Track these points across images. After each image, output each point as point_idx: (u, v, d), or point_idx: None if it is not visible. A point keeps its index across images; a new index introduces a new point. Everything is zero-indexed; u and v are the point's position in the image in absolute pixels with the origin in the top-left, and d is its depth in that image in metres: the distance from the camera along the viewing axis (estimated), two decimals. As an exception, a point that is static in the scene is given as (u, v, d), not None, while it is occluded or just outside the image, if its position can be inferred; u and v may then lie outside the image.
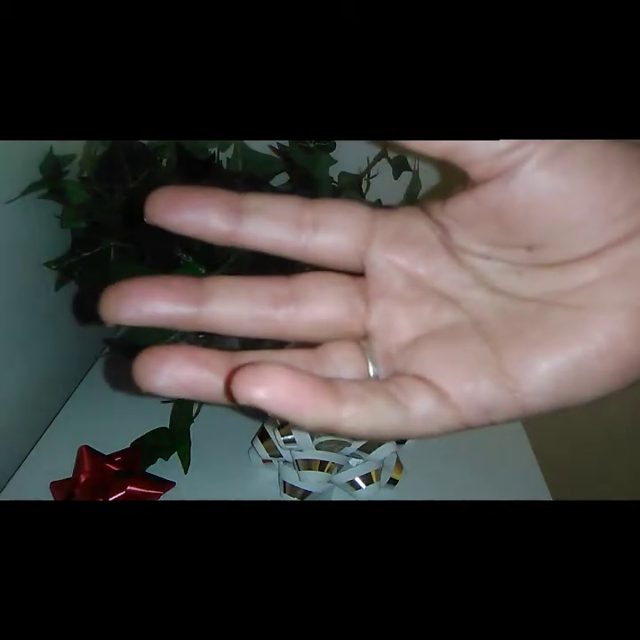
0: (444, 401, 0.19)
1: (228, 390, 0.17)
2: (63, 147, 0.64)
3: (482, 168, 0.18)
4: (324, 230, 0.20)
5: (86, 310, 0.69)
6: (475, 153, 0.17)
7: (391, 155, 0.70)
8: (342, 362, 0.20)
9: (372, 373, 0.20)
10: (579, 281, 0.18)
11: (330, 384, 0.18)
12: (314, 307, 0.20)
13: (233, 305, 0.19)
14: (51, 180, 0.61)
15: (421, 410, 0.18)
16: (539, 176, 0.17)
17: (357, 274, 0.21)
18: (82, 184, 0.62)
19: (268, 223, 0.20)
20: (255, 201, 0.20)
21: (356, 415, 0.18)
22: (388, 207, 0.21)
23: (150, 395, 0.18)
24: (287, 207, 0.20)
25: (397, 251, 0.20)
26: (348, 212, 0.21)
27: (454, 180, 0.19)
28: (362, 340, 0.21)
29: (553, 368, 0.18)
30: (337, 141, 0.69)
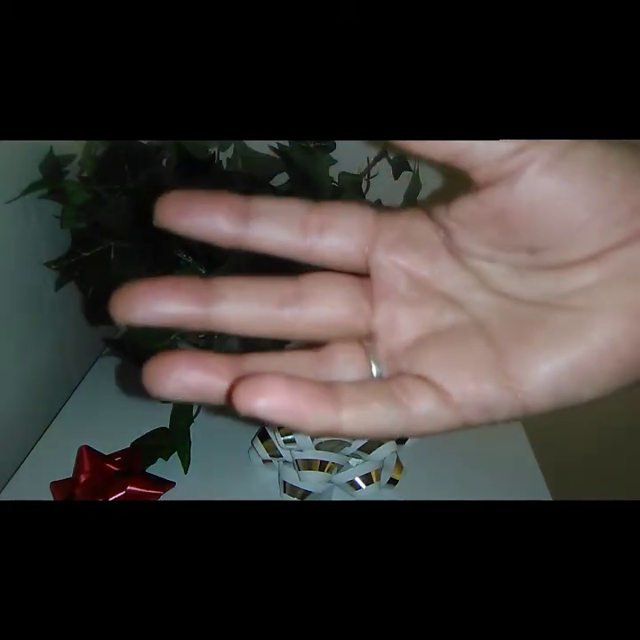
0: (446, 400, 0.19)
1: (231, 400, 0.18)
2: (63, 147, 0.64)
3: (485, 172, 0.18)
4: (330, 233, 0.20)
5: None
6: (478, 157, 0.18)
7: (391, 155, 0.70)
8: (346, 362, 0.20)
9: (374, 373, 0.20)
10: (579, 283, 0.19)
11: (328, 389, 0.18)
12: (319, 307, 0.20)
13: (241, 305, 0.20)
14: (51, 179, 0.61)
15: (422, 409, 0.19)
16: (541, 180, 0.17)
17: (362, 275, 0.21)
18: (82, 184, 0.62)
19: (274, 226, 0.20)
20: (262, 205, 0.20)
21: (355, 418, 0.18)
22: (392, 209, 0.21)
23: (157, 399, 0.19)
24: (293, 210, 0.20)
25: (401, 253, 0.21)
26: (353, 214, 0.21)
27: (457, 182, 0.20)
28: (365, 340, 0.21)
29: (553, 369, 0.19)
30: (337, 141, 0.69)
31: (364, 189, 0.70)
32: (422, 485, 0.57)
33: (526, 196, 0.18)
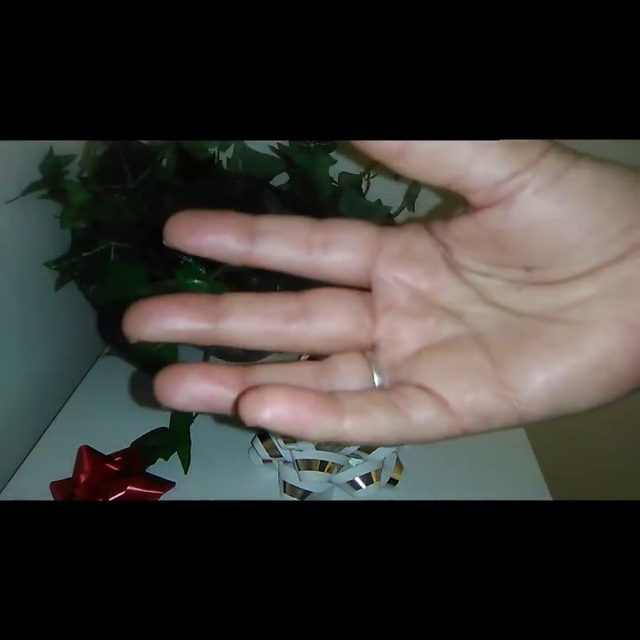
0: (444, 409, 0.19)
1: (237, 412, 0.18)
2: (63, 147, 0.64)
3: (481, 196, 0.19)
4: (334, 249, 0.21)
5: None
6: (474, 182, 0.18)
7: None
8: (348, 373, 0.21)
9: (377, 383, 0.21)
10: (575, 298, 0.19)
11: (330, 398, 0.19)
12: (324, 322, 0.21)
13: (247, 321, 0.21)
14: (51, 179, 0.61)
15: (422, 417, 0.19)
16: (535, 203, 0.18)
17: (364, 289, 0.22)
18: (82, 184, 0.62)
19: (280, 244, 0.21)
20: (268, 223, 0.21)
21: (357, 426, 0.19)
22: (394, 225, 0.22)
23: (167, 409, 0.19)
24: (298, 228, 0.21)
25: (402, 267, 0.21)
26: (356, 231, 0.22)
27: (454, 199, 0.20)
28: (368, 351, 0.22)
29: (548, 379, 0.19)
30: (337, 141, 0.69)
31: (363, 189, 0.70)
32: (422, 485, 0.57)
33: (521, 218, 0.18)
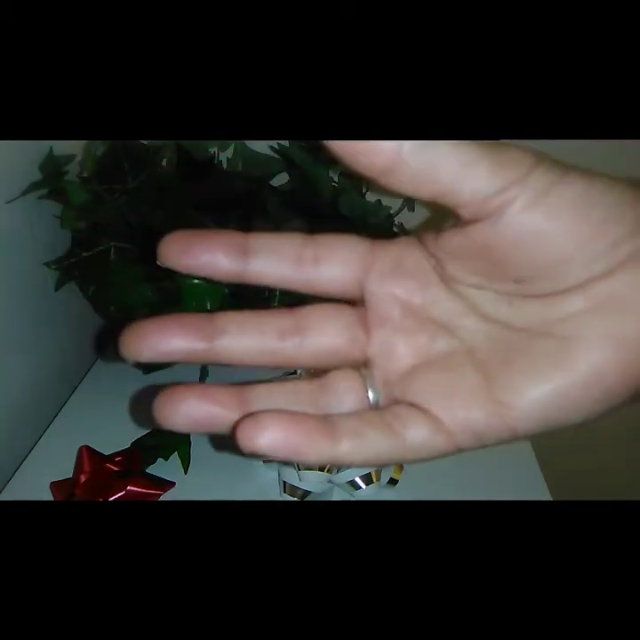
0: (439, 428, 0.20)
1: (235, 438, 0.19)
2: (63, 147, 0.64)
3: (470, 210, 0.18)
4: (326, 264, 0.21)
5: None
6: (462, 197, 0.18)
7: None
8: (344, 391, 0.21)
9: (371, 400, 0.21)
10: (565, 311, 0.19)
11: (325, 422, 0.19)
12: (318, 337, 0.21)
13: (243, 339, 0.21)
14: (51, 179, 0.61)
15: (417, 437, 0.20)
16: (523, 218, 0.18)
17: (358, 303, 0.22)
18: (82, 184, 0.62)
19: (272, 261, 0.21)
20: (259, 241, 0.21)
21: (352, 450, 0.19)
22: (387, 237, 0.22)
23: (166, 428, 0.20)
24: (289, 244, 0.21)
25: (395, 281, 0.22)
26: (347, 245, 0.22)
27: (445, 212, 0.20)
28: (362, 367, 0.22)
29: (540, 396, 0.19)
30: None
31: (363, 190, 0.70)
32: (422, 485, 0.57)
33: (509, 233, 0.18)
